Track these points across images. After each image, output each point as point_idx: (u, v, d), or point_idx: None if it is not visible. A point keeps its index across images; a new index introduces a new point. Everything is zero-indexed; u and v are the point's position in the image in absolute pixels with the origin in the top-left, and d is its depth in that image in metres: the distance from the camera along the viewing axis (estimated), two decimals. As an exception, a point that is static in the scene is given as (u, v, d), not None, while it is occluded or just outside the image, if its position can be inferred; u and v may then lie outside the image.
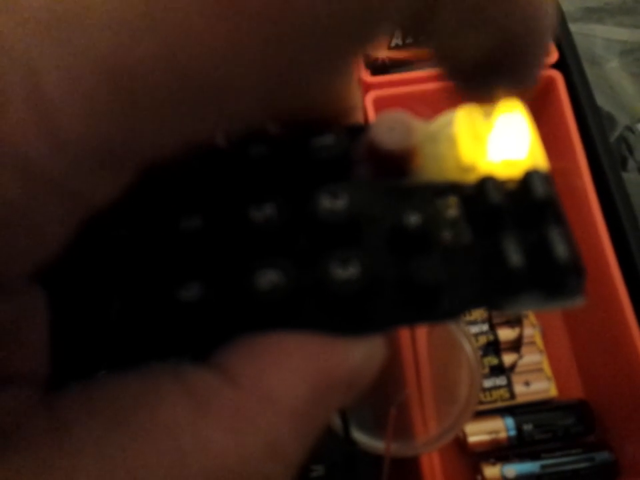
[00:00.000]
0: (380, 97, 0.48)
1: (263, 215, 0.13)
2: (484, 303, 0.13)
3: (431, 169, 0.14)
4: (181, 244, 0.13)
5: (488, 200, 0.13)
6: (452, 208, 0.13)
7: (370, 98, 0.48)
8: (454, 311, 0.13)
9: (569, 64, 0.53)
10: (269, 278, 0.12)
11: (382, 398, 0.35)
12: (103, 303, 0.12)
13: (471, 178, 0.14)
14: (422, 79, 0.50)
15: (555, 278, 0.12)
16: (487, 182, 0.13)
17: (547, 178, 0.13)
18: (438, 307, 0.12)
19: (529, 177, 0.13)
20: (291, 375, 0.11)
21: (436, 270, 0.12)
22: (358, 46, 0.10)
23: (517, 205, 0.13)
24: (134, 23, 0.08)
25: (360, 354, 0.12)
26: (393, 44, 0.57)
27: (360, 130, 0.14)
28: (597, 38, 0.67)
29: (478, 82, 0.12)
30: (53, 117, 0.08)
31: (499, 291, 0.12)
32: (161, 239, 0.13)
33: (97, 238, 0.12)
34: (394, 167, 0.14)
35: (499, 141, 0.14)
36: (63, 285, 0.12)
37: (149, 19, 0.08)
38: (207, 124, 0.10)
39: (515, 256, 0.12)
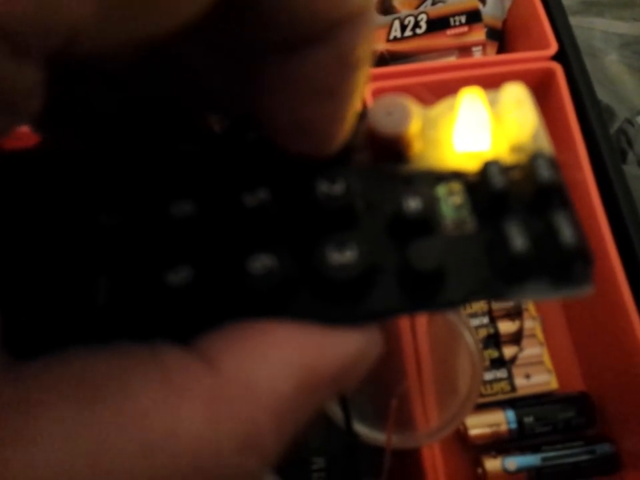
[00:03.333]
0: (380, 89, 0.48)
1: (256, 199, 0.12)
2: (487, 291, 0.12)
3: (432, 155, 0.14)
4: (171, 228, 0.12)
5: (492, 185, 0.12)
6: (455, 194, 0.13)
7: (370, 90, 0.48)
8: (455, 300, 0.12)
9: (568, 56, 0.53)
10: (262, 262, 0.11)
11: (383, 389, 0.35)
12: (90, 283, 0.12)
13: (474, 163, 0.13)
14: (421, 71, 0.50)
15: (562, 264, 0.12)
16: (491, 166, 0.13)
17: (552, 161, 0.13)
18: (439, 295, 0.12)
19: (534, 160, 0.13)
20: (277, 368, 0.11)
21: (437, 256, 0.12)
22: None
23: (522, 190, 0.12)
24: None
25: (353, 347, 0.12)
26: (391, 37, 0.57)
27: (358, 115, 0.14)
28: (596, 31, 0.67)
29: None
30: None
31: (503, 279, 0.12)
32: (151, 222, 0.12)
33: (86, 220, 0.12)
34: (393, 152, 0.14)
35: (502, 125, 0.14)
36: (41, 261, 0.12)
37: None
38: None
39: (519, 242, 0.12)
